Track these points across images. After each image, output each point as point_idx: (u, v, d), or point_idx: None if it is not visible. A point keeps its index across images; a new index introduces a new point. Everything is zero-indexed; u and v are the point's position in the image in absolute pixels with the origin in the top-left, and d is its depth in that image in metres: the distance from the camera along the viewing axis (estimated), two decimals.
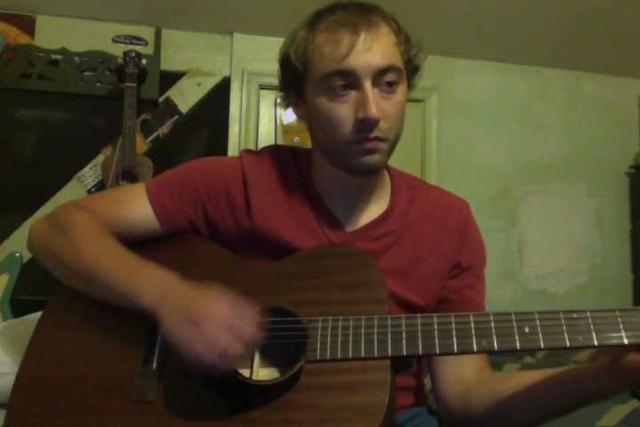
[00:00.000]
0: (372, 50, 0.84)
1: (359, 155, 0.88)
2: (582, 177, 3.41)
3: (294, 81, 0.92)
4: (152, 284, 0.80)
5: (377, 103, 0.84)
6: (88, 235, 0.89)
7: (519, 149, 3.34)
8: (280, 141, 3.05)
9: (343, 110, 0.86)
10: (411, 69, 0.93)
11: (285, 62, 0.92)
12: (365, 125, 0.85)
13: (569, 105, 3.43)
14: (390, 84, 0.86)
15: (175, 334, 0.75)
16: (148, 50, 2.88)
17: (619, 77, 3.47)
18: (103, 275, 0.84)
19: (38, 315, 0.94)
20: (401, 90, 0.88)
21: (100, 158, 2.82)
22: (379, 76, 0.85)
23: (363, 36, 0.84)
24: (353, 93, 0.86)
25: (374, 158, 0.88)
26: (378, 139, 0.86)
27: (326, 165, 0.95)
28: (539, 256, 3.31)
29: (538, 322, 0.74)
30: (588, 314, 0.73)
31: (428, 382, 1.02)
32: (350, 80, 0.85)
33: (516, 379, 0.87)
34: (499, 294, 3.17)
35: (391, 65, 0.85)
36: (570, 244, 3.36)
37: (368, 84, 0.85)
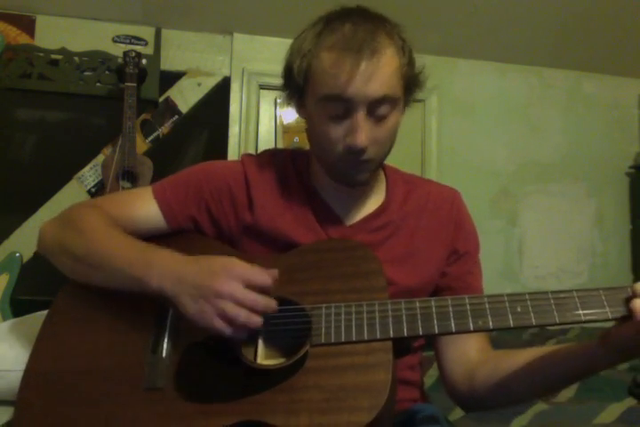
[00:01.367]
0: (371, 80, 0.86)
1: (347, 171, 0.93)
2: (582, 177, 3.42)
3: (296, 90, 0.95)
4: (159, 265, 0.83)
5: (367, 131, 0.88)
6: (99, 228, 0.93)
7: (519, 149, 3.35)
8: (280, 141, 3.05)
9: (336, 132, 0.90)
10: (410, 89, 0.95)
11: (289, 72, 0.94)
12: (352, 150, 0.89)
13: (569, 105, 3.43)
14: (384, 114, 0.89)
15: (192, 312, 0.78)
16: (148, 50, 2.89)
17: (619, 77, 3.48)
18: (115, 260, 0.87)
19: (39, 314, 0.95)
20: (394, 116, 0.91)
21: (100, 158, 2.83)
22: (374, 105, 0.87)
23: (364, 64, 0.85)
24: (347, 118, 0.89)
25: (360, 176, 0.94)
26: (365, 161, 0.91)
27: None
28: (539, 256, 3.32)
29: (529, 302, 0.79)
30: (575, 294, 0.78)
31: (426, 380, 1.03)
32: (346, 106, 0.87)
33: (516, 356, 0.92)
34: None
35: (387, 95, 0.87)
36: (570, 244, 3.36)
37: (361, 113, 0.87)
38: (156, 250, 0.87)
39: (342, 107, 0.87)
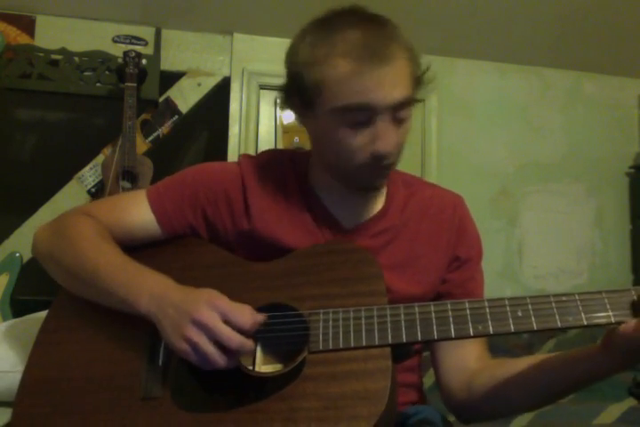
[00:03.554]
0: (394, 85, 0.85)
1: (367, 177, 0.93)
2: (582, 177, 3.42)
3: (304, 97, 0.89)
4: (148, 290, 0.83)
5: (392, 137, 0.87)
6: (89, 240, 0.91)
7: (519, 149, 3.34)
8: (280, 141, 3.05)
9: (359, 140, 0.88)
10: (418, 89, 0.93)
11: (296, 80, 0.89)
12: (379, 156, 0.88)
13: (569, 105, 3.43)
14: (405, 117, 0.89)
15: (169, 340, 0.79)
16: (148, 50, 2.88)
17: (619, 77, 3.47)
18: (102, 280, 0.86)
19: (39, 314, 0.95)
20: (410, 118, 0.91)
21: (100, 158, 2.83)
22: (396, 110, 0.87)
23: (386, 70, 0.84)
24: (370, 125, 0.87)
25: (380, 181, 0.95)
26: (387, 166, 0.91)
27: (325, 171, 0.98)
28: (539, 256, 3.31)
29: (530, 306, 0.77)
30: (577, 297, 0.77)
31: (426, 380, 1.03)
32: (369, 114, 0.86)
33: (513, 365, 0.90)
34: (499, 294, 3.16)
35: (408, 97, 0.87)
36: (570, 244, 3.36)
37: (387, 119, 0.86)
38: (145, 273, 0.86)
39: (365, 115, 0.86)
